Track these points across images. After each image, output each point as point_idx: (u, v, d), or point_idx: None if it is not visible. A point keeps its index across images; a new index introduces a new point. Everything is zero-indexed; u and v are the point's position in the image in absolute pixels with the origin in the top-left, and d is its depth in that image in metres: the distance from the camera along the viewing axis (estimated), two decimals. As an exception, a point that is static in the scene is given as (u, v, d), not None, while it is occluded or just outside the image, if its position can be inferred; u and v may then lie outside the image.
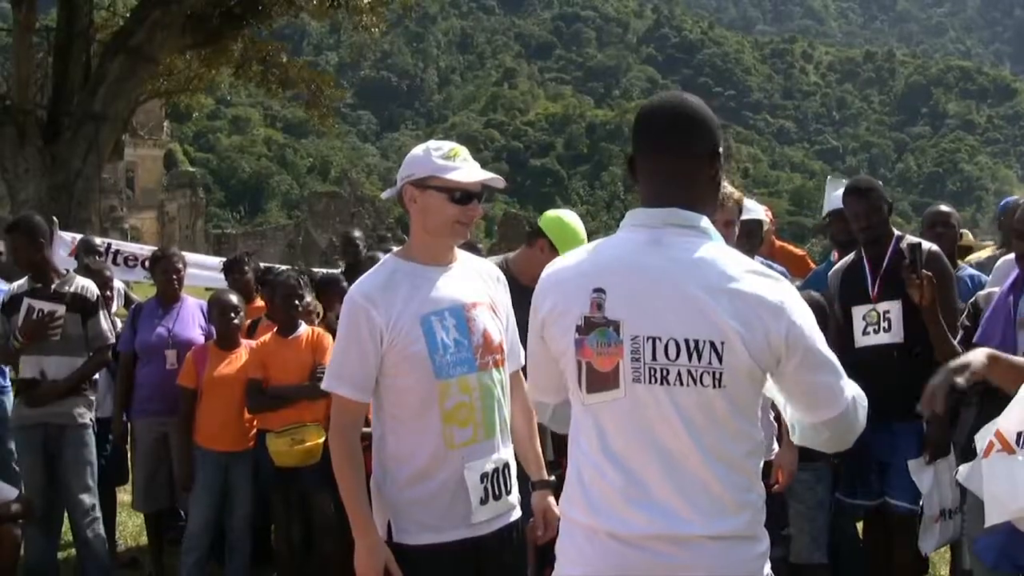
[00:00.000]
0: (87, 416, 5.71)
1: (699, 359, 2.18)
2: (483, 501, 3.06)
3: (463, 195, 3.07)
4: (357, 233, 8.82)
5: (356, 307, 3.05)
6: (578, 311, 2.26)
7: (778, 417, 4.34)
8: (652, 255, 2.24)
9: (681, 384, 2.19)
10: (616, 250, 2.31)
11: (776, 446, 4.60)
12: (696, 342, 2.18)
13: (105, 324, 5.78)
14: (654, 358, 2.19)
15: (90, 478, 5.68)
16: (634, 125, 2.41)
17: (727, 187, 4.56)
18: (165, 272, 6.30)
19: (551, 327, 2.34)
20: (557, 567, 2.36)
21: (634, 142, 2.39)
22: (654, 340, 2.19)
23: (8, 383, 6.46)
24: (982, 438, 3.10)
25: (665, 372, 2.19)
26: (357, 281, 3.17)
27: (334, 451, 3.10)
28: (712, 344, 2.17)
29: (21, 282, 5.76)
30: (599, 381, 2.24)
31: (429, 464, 3.03)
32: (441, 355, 3.02)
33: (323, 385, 3.16)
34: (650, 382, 2.19)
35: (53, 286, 5.64)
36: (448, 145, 3.13)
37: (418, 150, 3.16)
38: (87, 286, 5.75)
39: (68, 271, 6.05)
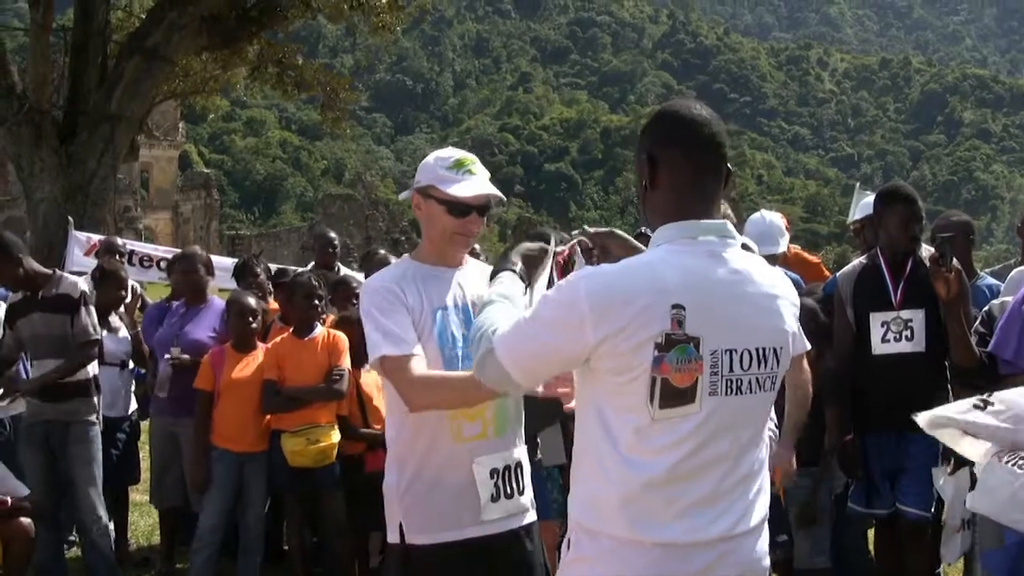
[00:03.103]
0: (91, 415, 5.66)
1: (765, 365, 2.29)
2: (494, 499, 3.05)
3: (462, 208, 3.06)
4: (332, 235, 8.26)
5: (384, 287, 3.05)
6: (657, 328, 2.17)
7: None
8: (718, 268, 2.26)
9: (751, 392, 2.27)
10: (683, 264, 2.24)
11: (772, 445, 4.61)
12: (763, 350, 2.28)
13: (88, 320, 5.59)
14: (731, 370, 2.24)
15: (95, 475, 5.66)
16: (676, 128, 2.33)
17: None
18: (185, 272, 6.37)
19: (617, 343, 2.18)
20: (580, 572, 2.31)
21: (672, 146, 2.32)
22: (731, 352, 2.24)
23: None
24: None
25: (739, 382, 2.25)
26: (373, 276, 3.21)
27: (426, 399, 2.90)
28: (775, 350, 2.31)
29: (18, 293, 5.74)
30: (674, 397, 2.20)
31: (437, 457, 3.02)
32: (451, 348, 3.05)
33: (368, 364, 3.12)
34: (725, 394, 2.24)
35: (41, 292, 5.58)
36: (456, 155, 3.12)
37: (429, 158, 3.17)
38: (75, 282, 5.65)
39: (55, 271, 5.82)
